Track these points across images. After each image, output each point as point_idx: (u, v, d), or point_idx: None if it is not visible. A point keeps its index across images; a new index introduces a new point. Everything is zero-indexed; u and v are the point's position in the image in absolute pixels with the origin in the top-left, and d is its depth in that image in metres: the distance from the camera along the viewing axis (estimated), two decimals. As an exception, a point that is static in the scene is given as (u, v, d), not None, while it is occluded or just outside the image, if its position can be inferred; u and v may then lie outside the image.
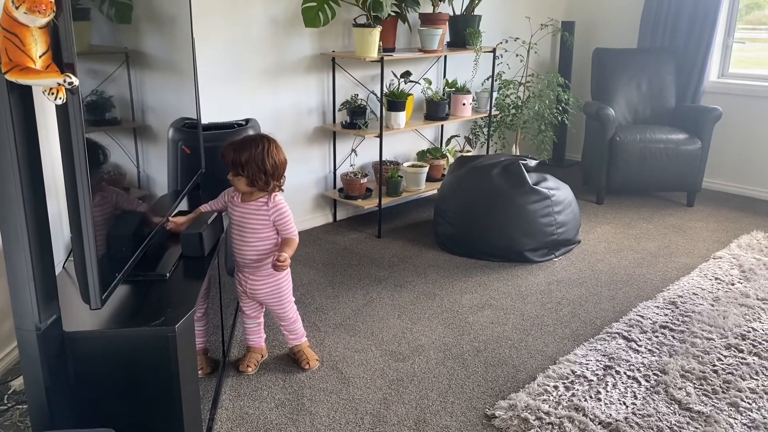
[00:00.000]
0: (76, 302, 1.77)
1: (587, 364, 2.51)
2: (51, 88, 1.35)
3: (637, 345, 2.65)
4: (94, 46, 1.66)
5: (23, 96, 1.40)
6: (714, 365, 2.51)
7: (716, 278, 3.31)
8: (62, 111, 1.41)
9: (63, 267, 2.06)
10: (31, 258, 1.46)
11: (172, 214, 2.34)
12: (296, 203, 3.92)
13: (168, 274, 1.96)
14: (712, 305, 3.01)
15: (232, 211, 2.33)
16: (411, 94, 4.07)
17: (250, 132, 3.12)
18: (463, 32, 4.18)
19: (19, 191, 1.41)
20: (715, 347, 2.64)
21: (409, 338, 2.74)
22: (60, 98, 1.36)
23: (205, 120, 3.18)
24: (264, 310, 2.52)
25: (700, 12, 4.68)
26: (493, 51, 4.37)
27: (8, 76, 1.32)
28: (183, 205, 2.63)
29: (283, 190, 2.33)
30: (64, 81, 1.34)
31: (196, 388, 1.84)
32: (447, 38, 4.28)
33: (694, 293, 3.14)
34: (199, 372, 1.96)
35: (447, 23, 4.14)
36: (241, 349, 2.61)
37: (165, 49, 2.36)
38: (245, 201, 2.30)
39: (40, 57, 1.34)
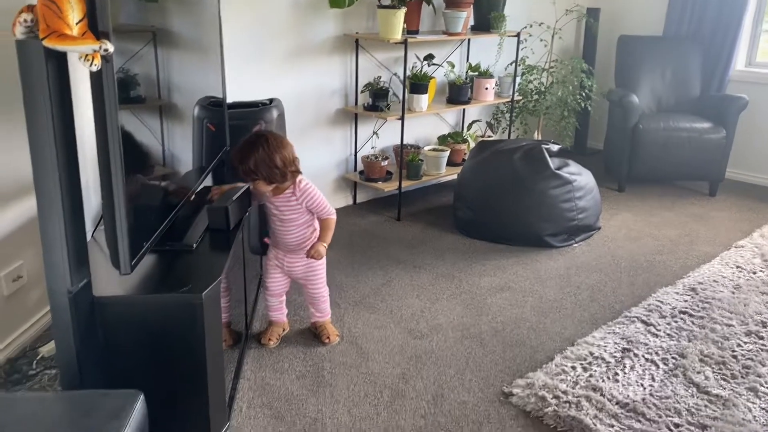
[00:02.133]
0: (105, 270, 1.81)
1: (605, 346, 2.52)
2: (87, 55, 1.38)
3: (656, 329, 2.65)
4: (122, 25, 1.68)
5: (59, 63, 1.44)
6: (733, 351, 2.51)
7: (737, 266, 3.29)
8: (96, 78, 1.44)
9: (92, 236, 2.11)
10: (64, 221, 1.50)
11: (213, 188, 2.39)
12: (317, 185, 3.88)
13: (195, 245, 2.00)
14: (733, 293, 3.00)
15: (267, 204, 2.38)
16: (434, 78, 4.08)
17: (274, 111, 3.14)
18: (488, 16, 4.17)
19: (54, 155, 1.44)
20: (735, 333, 2.63)
21: (427, 317, 2.76)
22: (95, 65, 1.39)
23: (230, 99, 3.21)
24: (288, 288, 2.56)
25: (728, 0, 4.61)
26: (518, 35, 4.35)
27: (46, 42, 1.35)
28: (207, 182, 2.67)
29: (301, 172, 2.34)
30: (100, 47, 1.37)
31: (221, 354, 1.88)
32: (471, 21, 4.26)
33: (714, 280, 3.12)
34: (222, 344, 2.00)
35: (471, 6, 4.12)
36: (263, 322, 2.65)
37: (192, 28, 2.38)
38: (275, 195, 2.34)
39: (76, 24, 1.37)
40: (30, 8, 1.42)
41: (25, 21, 1.39)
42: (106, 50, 1.37)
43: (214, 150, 2.68)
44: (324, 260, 2.47)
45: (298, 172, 2.32)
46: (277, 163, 2.20)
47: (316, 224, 2.43)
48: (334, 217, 2.36)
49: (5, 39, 1.70)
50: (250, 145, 2.22)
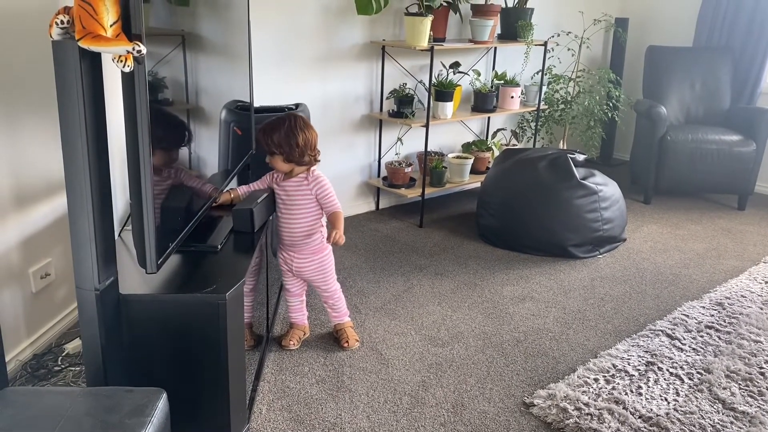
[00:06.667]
0: (132, 269, 1.84)
1: (629, 359, 2.49)
2: (120, 56, 1.40)
3: (681, 343, 2.61)
4: (153, 28, 1.71)
5: (93, 63, 1.46)
6: (761, 367, 2.45)
7: (766, 282, 3.23)
8: (128, 79, 1.47)
9: (119, 236, 2.14)
10: (93, 219, 1.52)
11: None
12: (340, 190, 3.96)
13: (219, 247, 2.02)
14: (761, 308, 2.94)
15: (277, 191, 2.40)
16: (459, 85, 4.07)
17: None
18: (515, 24, 4.16)
19: (85, 154, 1.47)
20: (763, 350, 2.58)
21: (448, 325, 2.75)
22: (128, 66, 1.41)
23: (257, 103, 3.24)
24: (307, 288, 2.57)
25: (761, 11, 4.55)
26: (544, 44, 4.33)
27: (81, 43, 1.38)
28: (233, 184, 2.69)
29: (319, 161, 2.38)
30: (133, 49, 1.39)
31: (242, 355, 1.88)
32: (498, 30, 4.26)
33: (742, 296, 3.07)
34: (244, 345, 2.01)
35: (498, 15, 4.12)
36: (284, 326, 2.66)
37: (221, 33, 2.41)
38: (287, 179, 2.37)
39: (110, 26, 1.39)
40: (66, 9, 1.46)
41: (62, 22, 1.42)
42: (138, 52, 1.40)
43: (240, 153, 2.70)
44: (331, 257, 2.48)
45: (315, 159, 2.36)
46: (299, 142, 2.27)
47: (323, 221, 2.42)
48: (341, 211, 2.36)
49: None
50: (278, 120, 2.32)
